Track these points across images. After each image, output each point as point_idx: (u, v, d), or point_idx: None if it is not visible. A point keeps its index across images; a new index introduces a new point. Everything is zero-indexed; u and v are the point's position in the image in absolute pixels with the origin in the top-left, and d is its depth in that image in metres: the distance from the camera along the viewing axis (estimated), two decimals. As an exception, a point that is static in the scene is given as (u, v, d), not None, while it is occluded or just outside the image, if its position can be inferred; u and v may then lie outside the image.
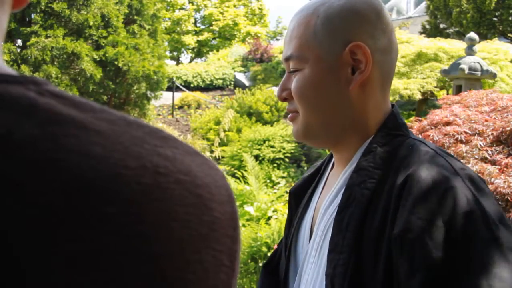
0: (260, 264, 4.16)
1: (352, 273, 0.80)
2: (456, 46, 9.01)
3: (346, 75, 0.87)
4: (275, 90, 11.62)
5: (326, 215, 0.91)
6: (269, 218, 5.74)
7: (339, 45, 0.87)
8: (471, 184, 0.79)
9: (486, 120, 3.03)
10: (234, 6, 25.89)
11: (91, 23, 8.89)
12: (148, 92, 10.44)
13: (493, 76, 6.63)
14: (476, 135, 2.92)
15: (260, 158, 8.41)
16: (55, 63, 8.48)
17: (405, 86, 7.96)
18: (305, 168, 8.35)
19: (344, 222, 0.83)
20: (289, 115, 0.94)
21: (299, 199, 1.08)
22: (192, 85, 15.54)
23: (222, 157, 9.17)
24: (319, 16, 0.88)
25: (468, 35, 6.70)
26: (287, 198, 1.15)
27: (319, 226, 0.92)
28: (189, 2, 25.97)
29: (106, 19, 9.26)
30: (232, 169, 8.27)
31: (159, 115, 12.83)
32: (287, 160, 8.56)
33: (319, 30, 0.87)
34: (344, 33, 0.87)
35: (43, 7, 8.51)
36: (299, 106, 0.89)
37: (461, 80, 6.45)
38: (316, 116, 0.89)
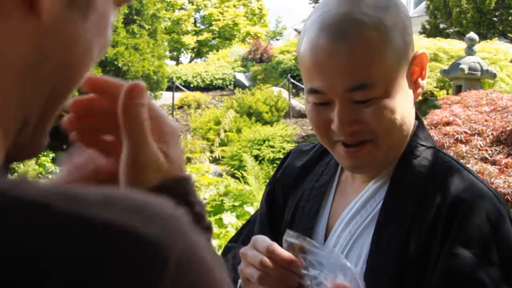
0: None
1: None
2: (456, 46, 9.01)
3: (412, 86, 0.86)
4: (275, 90, 11.60)
5: (352, 225, 0.88)
6: (269, 218, 5.74)
7: (406, 59, 0.83)
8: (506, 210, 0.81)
9: (486, 120, 3.03)
10: (234, 6, 25.88)
11: (91, 23, 8.89)
12: (148, 92, 10.42)
13: (493, 76, 6.64)
14: (476, 135, 2.92)
15: (260, 158, 8.41)
16: (55, 63, 8.49)
17: (405, 86, 7.96)
18: (305, 168, 8.35)
19: (384, 242, 0.81)
20: (351, 148, 0.84)
21: (287, 189, 1.02)
22: (192, 85, 15.54)
23: (222, 157, 9.17)
24: (382, 32, 0.79)
25: (468, 35, 6.70)
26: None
27: (340, 234, 0.89)
28: (189, 2, 25.97)
29: (106, 19, 9.26)
30: (232, 169, 8.27)
31: (159, 115, 12.83)
32: (287, 160, 8.56)
33: (392, 47, 0.80)
34: (407, 44, 0.83)
35: (43, 7, 8.52)
36: (382, 132, 0.82)
37: (461, 80, 6.45)
38: (396, 135, 0.84)
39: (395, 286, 0.79)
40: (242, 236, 1.10)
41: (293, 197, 1.01)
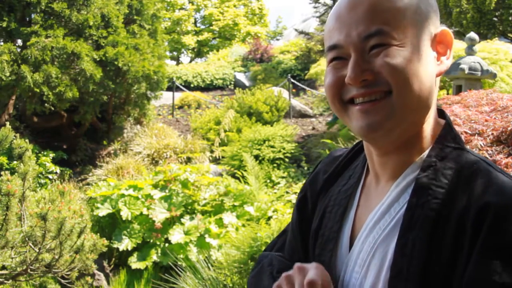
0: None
1: None
2: (456, 46, 9.00)
3: (434, 60, 0.85)
4: (276, 90, 11.62)
5: (376, 230, 0.86)
6: (269, 218, 5.74)
7: (428, 28, 0.84)
8: None
9: (486, 120, 3.03)
10: (234, 6, 25.87)
11: (91, 23, 8.88)
12: (148, 92, 10.43)
13: (493, 76, 6.63)
14: (476, 135, 2.91)
15: (260, 158, 8.41)
16: (55, 63, 8.48)
17: (405, 86, 7.95)
18: (305, 168, 8.35)
19: (408, 247, 0.79)
20: (365, 104, 0.83)
21: (316, 195, 1.03)
22: (192, 85, 15.54)
23: (222, 157, 9.17)
24: None
25: (468, 35, 6.69)
26: (295, 196, 1.10)
27: (365, 240, 0.87)
28: (189, 2, 25.95)
29: (106, 19, 9.26)
30: (232, 169, 8.27)
31: (159, 115, 12.83)
32: (287, 160, 8.56)
33: (411, 7, 0.82)
34: (433, 18, 0.85)
35: (43, 7, 8.51)
36: (396, 83, 0.80)
37: (461, 80, 6.44)
38: (412, 95, 0.81)
39: None
40: (278, 244, 1.12)
41: (322, 203, 1.01)
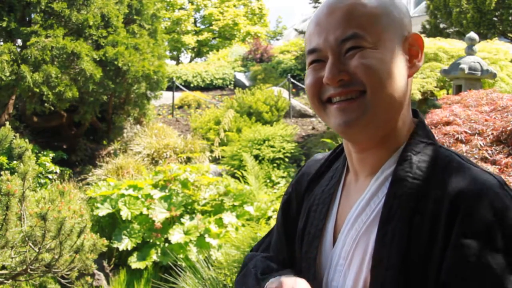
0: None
1: None
2: (456, 46, 9.00)
3: (406, 62, 0.90)
4: (275, 90, 11.57)
5: (358, 223, 0.91)
6: (269, 218, 5.74)
7: (400, 32, 0.89)
8: None
9: (486, 120, 3.03)
10: (234, 6, 25.86)
11: (91, 23, 8.88)
12: (148, 92, 10.43)
13: (493, 76, 6.63)
14: (476, 134, 2.91)
15: (260, 158, 8.41)
16: (55, 63, 8.48)
17: (405, 86, 7.94)
18: (305, 168, 8.33)
19: (388, 237, 0.83)
20: (341, 103, 0.89)
21: (301, 196, 1.08)
22: (192, 85, 15.54)
23: (222, 157, 9.16)
24: (380, 2, 0.89)
25: (468, 35, 6.69)
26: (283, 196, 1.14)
27: (347, 234, 0.92)
28: (189, 2, 25.95)
29: (106, 19, 9.26)
30: (232, 169, 8.26)
31: (159, 115, 12.83)
32: (287, 160, 8.56)
33: (385, 13, 0.88)
34: (405, 23, 0.90)
35: (43, 7, 8.51)
36: (370, 83, 0.86)
37: (461, 80, 6.44)
38: (385, 94, 0.86)
39: (401, 279, 0.81)
40: (264, 245, 1.17)
41: (306, 203, 1.06)
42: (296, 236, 1.04)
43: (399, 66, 0.88)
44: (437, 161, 0.87)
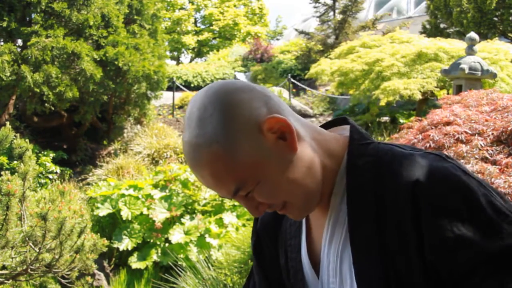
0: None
1: None
2: (456, 46, 9.00)
3: (284, 147, 0.85)
4: (276, 90, 11.57)
5: (335, 240, 0.91)
6: (269, 218, 5.73)
7: (255, 135, 0.83)
8: (470, 175, 0.83)
9: (486, 120, 3.03)
10: (234, 6, 25.87)
11: (91, 23, 8.88)
12: (148, 92, 10.44)
13: (494, 76, 6.63)
14: (477, 135, 2.91)
15: (260, 158, 8.40)
16: (55, 63, 8.48)
17: (405, 86, 7.96)
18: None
19: (361, 244, 0.85)
20: (281, 211, 0.92)
21: (271, 235, 1.08)
22: (192, 85, 15.54)
23: (222, 157, 9.16)
24: (218, 144, 0.82)
25: (468, 35, 6.69)
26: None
27: (329, 253, 0.93)
28: (189, 2, 25.96)
29: (106, 19, 9.26)
30: (232, 169, 8.26)
31: (159, 115, 12.83)
32: (287, 160, 8.55)
33: (234, 150, 0.82)
34: (249, 127, 0.83)
35: (43, 7, 8.51)
36: (287, 199, 0.88)
37: (462, 80, 6.44)
38: (300, 191, 0.88)
39: (388, 278, 0.82)
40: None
41: (281, 239, 1.07)
42: (282, 271, 1.06)
43: (282, 165, 0.85)
44: (381, 157, 0.88)
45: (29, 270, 3.13)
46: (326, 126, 1.01)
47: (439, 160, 0.84)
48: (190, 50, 25.89)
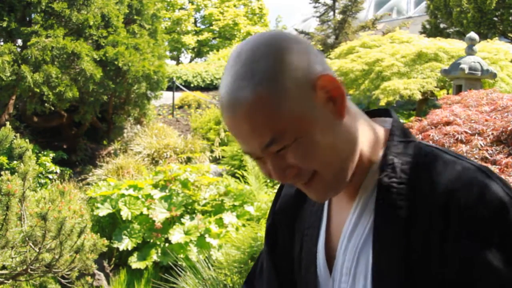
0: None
1: None
2: (456, 46, 9.00)
3: (331, 110, 0.81)
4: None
5: (354, 238, 0.88)
6: (269, 218, 5.73)
7: (306, 88, 0.79)
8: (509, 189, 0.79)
9: (486, 120, 3.03)
10: (234, 6, 25.88)
11: (91, 23, 8.88)
12: (148, 92, 10.44)
13: (493, 76, 6.63)
14: (476, 135, 2.91)
15: (260, 158, 8.39)
16: (55, 63, 8.48)
17: (405, 86, 7.96)
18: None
19: (385, 246, 0.81)
20: (301, 186, 0.86)
21: (290, 220, 1.03)
22: (192, 85, 15.54)
23: (222, 156, 9.16)
24: (264, 92, 0.77)
25: (468, 35, 6.70)
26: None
27: (345, 250, 0.89)
28: (189, 2, 25.96)
29: (106, 19, 9.26)
30: (232, 169, 8.26)
31: (159, 115, 12.83)
32: (287, 160, 8.54)
33: (281, 97, 0.78)
34: (302, 78, 0.79)
35: (43, 7, 8.51)
36: (316, 167, 0.82)
37: (461, 80, 6.44)
38: (333, 164, 0.82)
39: (405, 285, 0.79)
40: (256, 273, 1.13)
41: (298, 227, 1.01)
42: (294, 261, 1.01)
43: (328, 128, 0.80)
44: (420, 159, 0.84)
45: (29, 270, 3.13)
46: (367, 114, 0.94)
47: (481, 174, 0.79)
48: (190, 50, 25.89)
